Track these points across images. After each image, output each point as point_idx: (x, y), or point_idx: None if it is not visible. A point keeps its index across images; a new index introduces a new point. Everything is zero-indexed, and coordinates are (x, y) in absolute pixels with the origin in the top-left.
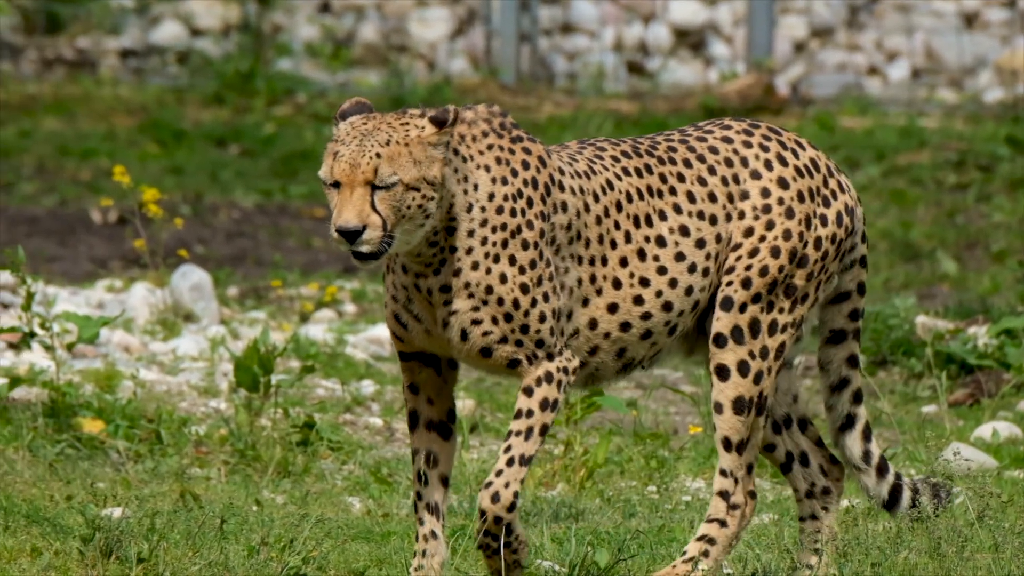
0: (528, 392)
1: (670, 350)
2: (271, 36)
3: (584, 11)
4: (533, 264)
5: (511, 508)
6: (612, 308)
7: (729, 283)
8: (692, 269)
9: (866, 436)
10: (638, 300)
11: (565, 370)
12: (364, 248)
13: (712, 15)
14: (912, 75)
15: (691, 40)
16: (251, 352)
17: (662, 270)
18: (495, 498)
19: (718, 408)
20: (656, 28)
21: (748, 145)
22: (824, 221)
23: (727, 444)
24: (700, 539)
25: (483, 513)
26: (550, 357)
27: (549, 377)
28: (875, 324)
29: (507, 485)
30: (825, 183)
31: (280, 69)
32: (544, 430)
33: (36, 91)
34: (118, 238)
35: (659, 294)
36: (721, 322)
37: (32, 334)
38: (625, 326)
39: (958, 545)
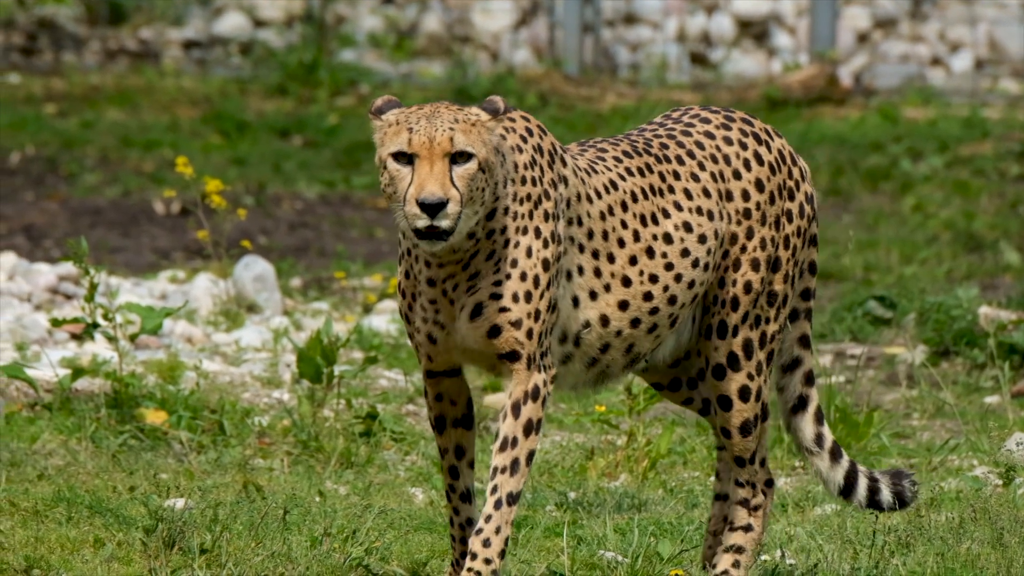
0: (516, 411)
1: (664, 343)
2: (334, 27)
3: (647, 2)
4: (554, 237)
5: (502, 554)
6: (623, 305)
7: (723, 304)
8: (695, 264)
9: (818, 419)
10: (647, 296)
11: (547, 383)
12: (444, 223)
13: (775, 6)
14: (975, 66)
15: (754, 31)
16: (314, 343)
17: (669, 266)
18: (486, 543)
19: (726, 433)
20: (719, 19)
21: (729, 142)
22: (790, 217)
23: (740, 461)
24: (728, 550)
25: (473, 555)
26: (540, 367)
27: (536, 392)
28: (938, 315)
29: (498, 530)
30: (790, 175)
31: (343, 60)
32: (530, 457)
33: (99, 82)
34: (181, 229)
35: (666, 289)
36: (719, 351)
37: (95, 325)
38: (635, 322)
39: (1021, 535)
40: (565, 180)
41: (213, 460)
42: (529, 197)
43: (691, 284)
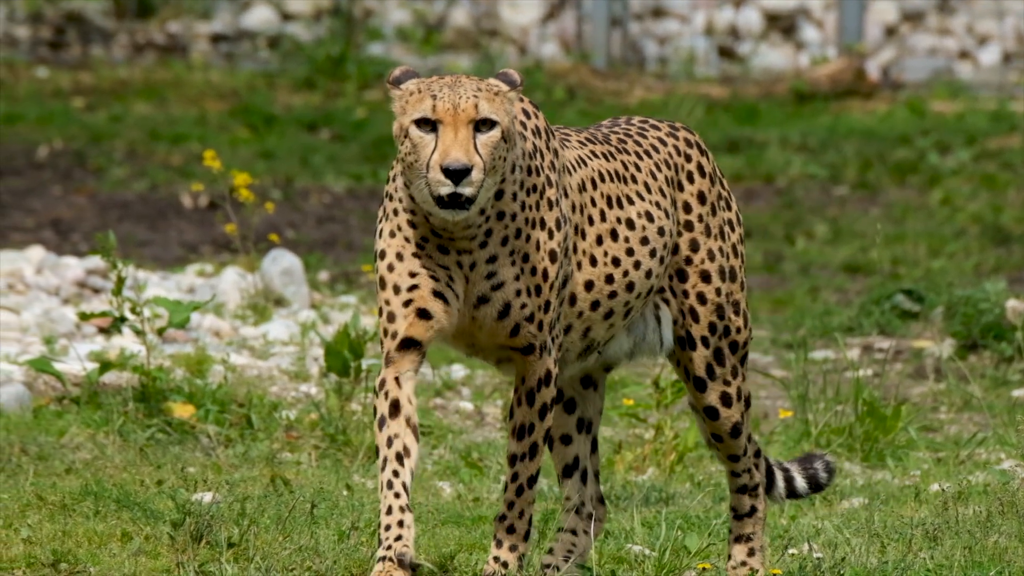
0: (530, 398)
1: (617, 338)
2: (362, 20)
3: None
4: (558, 224)
5: (526, 536)
6: (588, 285)
7: (683, 315)
8: (653, 254)
9: None
10: (609, 279)
11: (556, 362)
12: (468, 190)
13: None
14: (1003, 59)
15: (782, 24)
16: (342, 337)
17: (631, 251)
18: (511, 530)
19: (718, 439)
20: (747, 12)
21: (678, 151)
22: (732, 225)
23: (734, 458)
24: (740, 539)
25: (499, 543)
26: (549, 350)
27: (548, 377)
28: (965, 308)
29: (521, 514)
30: (723, 185)
31: (371, 54)
32: (546, 436)
33: (127, 76)
34: (209, 223)
35: (626, 274)
36: (694, 364)
37: (123, 319)
38: (595, 304)
39: None
40: (557, 153)
41: (241, 454)
42: (535, 188)
43: (648, 274)
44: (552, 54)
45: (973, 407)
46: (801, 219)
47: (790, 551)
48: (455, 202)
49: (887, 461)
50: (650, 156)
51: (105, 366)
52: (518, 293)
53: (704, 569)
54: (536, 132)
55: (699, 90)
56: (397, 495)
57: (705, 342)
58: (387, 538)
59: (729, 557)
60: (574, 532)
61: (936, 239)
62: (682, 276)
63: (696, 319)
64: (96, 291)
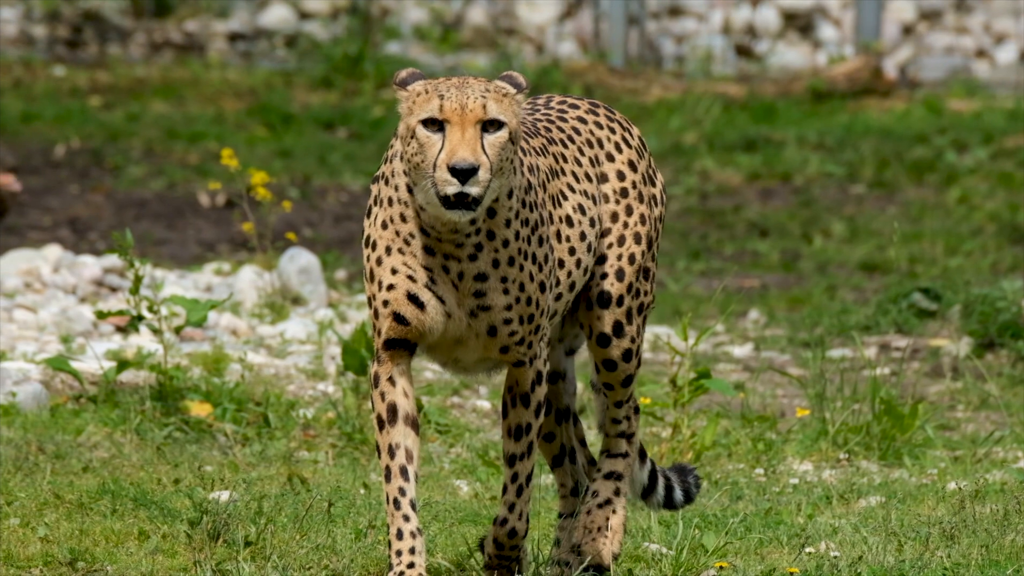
0: (525, 401)
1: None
2: (380, 19)
3: None
4: (547, 258)
5: (525, 532)
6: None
7: (604, 275)
8: (589, 248)
9: None
10: (556, 283)
11: (546, 362)
12: (474, 190)
13: None
14: (1020, 58)
15: (799, 23)
16: (359, 335)
17: (572, 251)
18: (512, 533)
19: (609, 387)
20: (765, 11)
21: (600, 126)
22: (656, 201)
23: (619, 404)
24: (609, 476)
25: (500, 545)
26: (539, 356)
27: (539, 378)
28: (982, 307)
29: (520, 515)
30: (649, 162)
31: (389, 52)
32: (540, 433)
33: (144, 74)
34: (226, 221)
35: (570, 275)
36: (603, 320)
37: (140, 317)
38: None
39: None
40: (544, 185)
41: (258, 452)
42: (527, 221)
43: (586, 270)
44: (569, 53)
45: (990, 405)
46: (818, 218)
47: (807, 550)
48: (462, 202)
49: (904, 460)
50: (573, 141)
51: (122, 365)
52: (507, 321)
53: (721, 568)
54: (532, 170)
55: (716, 89)
56: (407, 517)
57: (620, 301)
58: (398, 563)
59: (594, 494)
60: (575, 515)
61: (953, 237)
62: (621, 241)
63: (620, 278)
64: (113, 290)
